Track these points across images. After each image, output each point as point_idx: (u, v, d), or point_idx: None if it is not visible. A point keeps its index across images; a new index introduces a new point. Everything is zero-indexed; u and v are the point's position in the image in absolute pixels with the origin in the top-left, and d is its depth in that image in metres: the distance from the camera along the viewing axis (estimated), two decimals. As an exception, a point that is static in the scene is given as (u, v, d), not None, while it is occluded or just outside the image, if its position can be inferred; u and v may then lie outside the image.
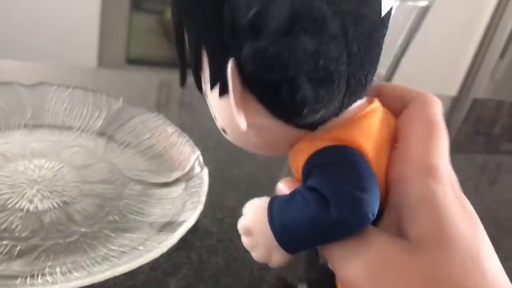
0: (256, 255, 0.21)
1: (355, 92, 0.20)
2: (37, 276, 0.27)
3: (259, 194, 0.37)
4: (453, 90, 1.95)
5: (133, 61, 2.00)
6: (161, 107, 0.50)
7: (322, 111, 0.19)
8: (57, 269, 0.28)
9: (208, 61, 0.19)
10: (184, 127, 0.46)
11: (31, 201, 0.33)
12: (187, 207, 0.33)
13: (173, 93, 0.56)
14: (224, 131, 0.22)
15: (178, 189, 0.36)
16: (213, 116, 0.22)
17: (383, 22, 0.20)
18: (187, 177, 0.37)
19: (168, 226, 0.31)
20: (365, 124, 0.20)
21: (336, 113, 0.20)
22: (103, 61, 1.91)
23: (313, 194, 0.19)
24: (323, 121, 0.20)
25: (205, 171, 0.36)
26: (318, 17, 0.17)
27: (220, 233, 0.35)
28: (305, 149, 0.20)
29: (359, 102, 0.21)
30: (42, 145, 0.39)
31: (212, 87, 0.20)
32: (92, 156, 0.39)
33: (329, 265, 0.20)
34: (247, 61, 0.17)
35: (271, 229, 0.20)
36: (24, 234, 0.30)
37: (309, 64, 0.17)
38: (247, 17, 0.17)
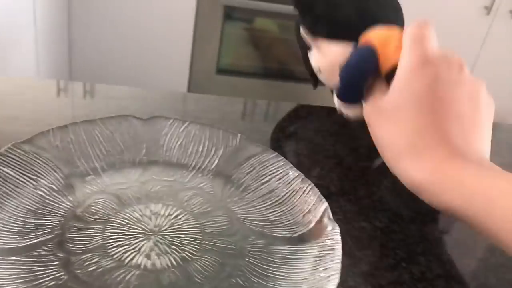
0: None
1: (363, 22, 0.39)
2: None
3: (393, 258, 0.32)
4: None
5: (223, 71, 2.01)
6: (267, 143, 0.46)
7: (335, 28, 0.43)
8: None
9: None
10: (302, 166, 0.41)
11: (148, 257, 0.30)
12: (319, 275, 0.29)
13: (283, 124, 0.52)
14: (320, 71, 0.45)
15: (304, 248, 0.32)
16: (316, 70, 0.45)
17: None
18: (315, 233, 0.32)
19: (301, 300, 0.27)
20: (373, 33, 0.37)
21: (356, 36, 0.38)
22: (194, 71, 1.94)
23: None
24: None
25: (337, 228, 0.32)
26: None
27: (355, 306, 0.30)
28: None
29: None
30: (158, 186, 0.36)
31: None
32: (209, 202, 0.35)
33: None
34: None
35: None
36: (142, 298, 0.27)
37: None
38: None
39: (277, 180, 0.37)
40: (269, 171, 0.38)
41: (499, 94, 1.93)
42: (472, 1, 1.82)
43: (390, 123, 0.34)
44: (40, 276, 0.27)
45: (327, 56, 0.43)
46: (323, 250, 0.30)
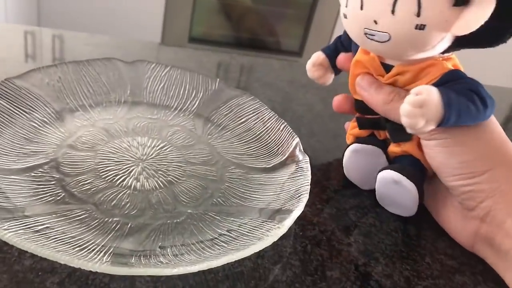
0: (412, 121, 0.28)
1: None
2: (150, 256, 0.27)
3: (356, 187, 0.35)
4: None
5: (195, 40, 2.01)
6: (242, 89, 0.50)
7: None
8: (168, 250, 0.28)
9: None
10: (276, 111, 0.45)
11: (137, 179, 0.33)
12: (291, 196, 0.32)
13: (257, 74, 0.55)
14: (422, 27, 0.28)
15: (278, 175, 0.35)
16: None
17: None
18: (287, 164, 0.36)
19: (275, 214, 0.31)
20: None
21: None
22: (166, 39, 1.93)
23: (473, 94, 0.29)
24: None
25: (307, 158, 0.35)
26: None
27: (322, 224, 0.34)
28: (438, 65, 0.31)
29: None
30: (143, 122, 0.39)
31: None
32: (191, 137, 0.38)
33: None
34: None
35: (447, 113, 0.28)
36: (133, 212, 0.30)
37: None
38: None
39: (254, 120, 0.40)
40: (246, 112, 0.41)
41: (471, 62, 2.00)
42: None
43: None
44: (40, 193, 0.30)
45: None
46: (294, 176, 0.34)
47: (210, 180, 0.35)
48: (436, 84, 0.30)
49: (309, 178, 0.33)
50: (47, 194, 0.30)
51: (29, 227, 0.26)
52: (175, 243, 0.29)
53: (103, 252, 0.27)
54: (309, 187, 0.32)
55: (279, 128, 0.39)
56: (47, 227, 0.27)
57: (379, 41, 0.30)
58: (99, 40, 0.53)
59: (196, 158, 0.36)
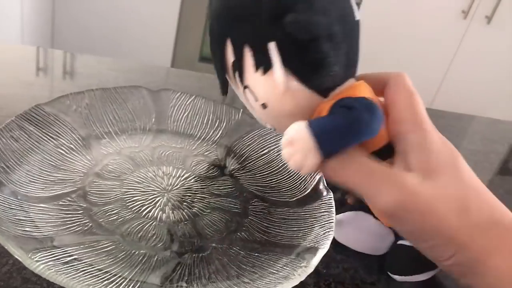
0: (293, 162, 0.26)
1: (350, 67, 0.27)
2: (177, 291, 0.27)
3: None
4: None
5: (206, 59, 2.03)
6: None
7: (333, 73, 0.26)
8: (195, 286, 0.28)
9: (252, 52, 0.26)
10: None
11: (163, 210, 0.33)
12: (316, 232, 0.32)
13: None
14: (265, 106, 0.28)
15: (301, 210, 0.35)
16: (250, 105, 0.29)
17: (358, 25, 0.28)
18: (310, 199, 0.36)
19: (301, 252, 0.31)
20: (362, 88, 0.28)
21: (340, 83, 0.27)
22: (177, 58, 1.95)
23: (341, 108, 0.26)
24: (331, 88, 0.27)
25: (330, 194, 0.35)
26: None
27: (345, 261, 0.34)
28: (325, 106, 0.27)
29: (351, 80, 0.28)
30: (168, 151, 0.39)
31: (257, 70, 0.26)
32: (215, 168, 0.39)
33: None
34: (289, 27, 0.25)
35: (311, 133, 0.25)
36: (159, 245, 0.30)
37: (324, 31, 0.25)
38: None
39: (276, 152, 0.41)
40: (268, 144, 0.41)
41: (473, 94, 2.00)
42: (450, 5, 1.88)
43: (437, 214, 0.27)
44: (68, 222, 0.30)
45: (298, 100, 0.27)
46: (319, 212, 0.34)
47: (234, 213, 0.35)
48: None
49: (334, 214, 0.33)
50: (75, 224, 0.30)
51: (57, 259, 0.26)
52: (201, 279, 0.29)
53: (131, 286, 0.27)
54: (334, 224, 0.32)
55: (302, 162, 0.39)
56: (75, 258, 0.27)
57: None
58: (119, 65, 0.54)
59: (219, 190, 0.36)
